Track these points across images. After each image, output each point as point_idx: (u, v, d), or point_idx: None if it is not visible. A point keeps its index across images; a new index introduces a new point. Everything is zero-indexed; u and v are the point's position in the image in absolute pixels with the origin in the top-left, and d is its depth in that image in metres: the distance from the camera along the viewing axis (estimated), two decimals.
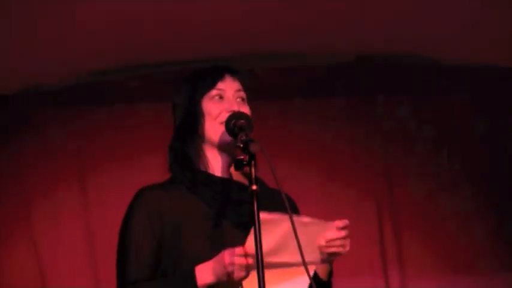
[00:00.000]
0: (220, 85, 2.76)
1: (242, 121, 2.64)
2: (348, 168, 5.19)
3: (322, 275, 2.71)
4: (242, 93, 2.78)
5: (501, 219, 5.24)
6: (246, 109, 2.75)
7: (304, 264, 2.42)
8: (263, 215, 2.42)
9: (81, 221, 5.08)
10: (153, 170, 4.96)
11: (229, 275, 2.50)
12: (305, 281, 2.55)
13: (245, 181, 2.71)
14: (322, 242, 2.55)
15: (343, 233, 2.56)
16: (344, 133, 5.26)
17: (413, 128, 5.34)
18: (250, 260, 2.47)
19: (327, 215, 2.62)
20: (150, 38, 4.88)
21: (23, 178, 5.12)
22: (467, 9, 4.76)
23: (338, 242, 2.55)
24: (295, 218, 2.48)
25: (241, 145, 2.53)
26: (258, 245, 2.39)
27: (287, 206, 2.46)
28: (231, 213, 2.66)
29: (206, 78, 2.77)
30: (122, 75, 5.19)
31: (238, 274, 2.50)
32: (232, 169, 2.77)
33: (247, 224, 2.48)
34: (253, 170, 2.47)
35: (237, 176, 2.77)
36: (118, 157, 5.14)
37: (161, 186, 2.77)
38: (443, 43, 5.10)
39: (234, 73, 2.80)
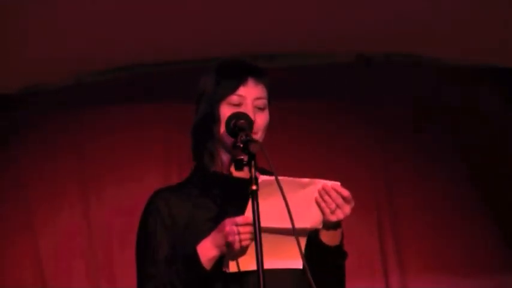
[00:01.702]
0: (241, 90, 2.71)
1: (242, 121, 2.63)
2: (346, 170, 5.15)
3: (330, 240, 2.68)
4: (262, 101, 2.73)
5: (502, 220, 5.22)
6: (263, 117, 2.72)
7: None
8: (265, 177, 2.45)
9: (82, 223, 5.08)
10: (154, 171, 5.01)
11: (231, 245, 2.51)
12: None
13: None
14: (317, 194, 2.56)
15: (335, 195, 2.56)
16: (343, 135, 5.26)
17: (414, 129, 5.33)
18: (251, 228, 2.47)
19: None
20: (150, 38, 4.86)
21: (23, 178, 5.12)
22: (468, 9, 4.76)
23: (327, 198, 2.55)
24: (294, 179, 2.51)
25: (241, 145, 2.54)
26: (259, 245, 2.40)
27: (287, 205, 2.44)
28: (240, 209, 2.59)
29: (229, 79, 2.72)
30: (122, 75, 5.17)
31: (240, 243, 2.50)
32: (232, 168, 2.76)
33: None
34: (253, 170, 2.48)
35: (237, 173, 2.75)
36: (119, 158, 5.13)
37: (172, 189, 2.77)
38: (443, 43, 5.10)
39: (259, 76, 2.75)
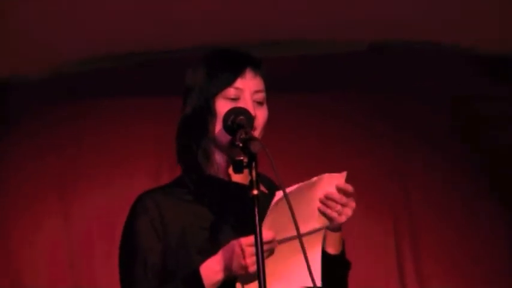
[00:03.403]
0: (238, 83, 2.60)
1: (241, 117, 2.50)
2: (359, 173, 4.97)
3: (331, 249, 2.61)
4: (261, 95, 2.63)
5: None
6: (262, 113, 2.62)
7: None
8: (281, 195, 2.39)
9: (62, 228, 4.97)
10: (142, 170, 4.94)
11: (245, 268, 2.38)
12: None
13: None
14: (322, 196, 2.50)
15: (338, 196, 2.49)
16: (356, 130, 5.14)
17: (433, 125, 5.21)
18: (267, 246, 2.37)
19: None
20: (140, 24, 4.74)
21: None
22: None
23: (331, 203, 2.48)
24: (303, 184, 2.44)
25: (241, 144, 2.40)
26: (259, 248, 2.28)
27: (291, 209, 2.33)
28: (240, 219, 2.52)
29: (224, 71, 2.60)
30: (110, 65, 5.05)
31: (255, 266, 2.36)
32: (230, 170, 2.63)
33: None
34: (253, 172, 2.34)
35: (236, 177, 2.63)
36: (103, 157, 5.02)
37: (163, 191, 2.63)
38: (461, 30, 4.99)
39: (257, 67, 2.64)
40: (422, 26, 4.94)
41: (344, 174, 2.50)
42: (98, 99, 5.04)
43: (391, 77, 5.18)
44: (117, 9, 4.54)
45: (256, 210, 2.28)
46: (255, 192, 2.30)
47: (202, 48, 4.51)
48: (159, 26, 4.77)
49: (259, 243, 2.27)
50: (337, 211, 2.48)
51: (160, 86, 4.91)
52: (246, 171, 2.38)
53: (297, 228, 2.32)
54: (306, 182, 2.44)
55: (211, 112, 2.57)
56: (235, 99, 2.57)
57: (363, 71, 5.19)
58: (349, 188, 2.49)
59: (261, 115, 2.59)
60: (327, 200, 2.48)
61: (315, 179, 2.46)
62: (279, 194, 2.37)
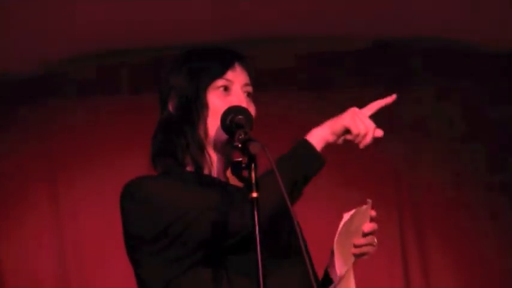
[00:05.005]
0: (229, 75, 2.53)
1: (240, 117, 2.41)
2: (363, 170, 5.01)
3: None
4: (250, 88, 2.57)
5: None
6: (252, 107, 2.55)
7: (308, 263, 2.26)
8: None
9: (51, 223, 4.96)
10: (133, 165, 4.85)
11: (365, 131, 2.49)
12: None
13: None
14: (360, 239, 2.49)
15: (375, 225, 2.51)
16: None
17: (439, 124, 5.16)
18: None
19: (337, 226, 2.47)
20: (135, 19, 4.70)
21: None
22: None
23: (370, 239, 2.50)
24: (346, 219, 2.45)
25: (239, 145, 2.30)
26: (259, 250, 2.21)
27: (292, 213, 2.24)
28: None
29: (213, 63, 2.53)
30: (96, 64, 5.03)
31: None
32: (228, 172, 2.55)
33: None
34: (253, 174, 2.25)
35: (233, 180, 2.52)
36: (93, 153, 5.01)
37: (159, 176, 2.55)
38: (474, 25, 4.97)
39: (246, 63, 2.58)
40: (427, 22, 4.91)
41: (370, 202, 2.51)
42: (90, 94, 5.02)
43: (395, 74, 5.16)
44: (108, 6, 4.50)
45: (255, 214, 2.19)
46: (255, 194, 2.21)
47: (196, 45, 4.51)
48: (153, 19, 4.72)
49: (258, 246, 2.19)
50: (374, 244, 2.50)
51: (150, 82, 4.78)
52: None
53: (298, 236, 2.25)
54: (346, 219, 2.44)
55: (202, 104, 2.48)
56: (226, 90, 2.51)
57: (366, 68, 5.16)
58: (374, 213, 2.52)
59: (251, 110, 2.52)
60: (367, 235, 2.48)
61: (352, 212, 2.46)
62: (346, 216, 2.42)
